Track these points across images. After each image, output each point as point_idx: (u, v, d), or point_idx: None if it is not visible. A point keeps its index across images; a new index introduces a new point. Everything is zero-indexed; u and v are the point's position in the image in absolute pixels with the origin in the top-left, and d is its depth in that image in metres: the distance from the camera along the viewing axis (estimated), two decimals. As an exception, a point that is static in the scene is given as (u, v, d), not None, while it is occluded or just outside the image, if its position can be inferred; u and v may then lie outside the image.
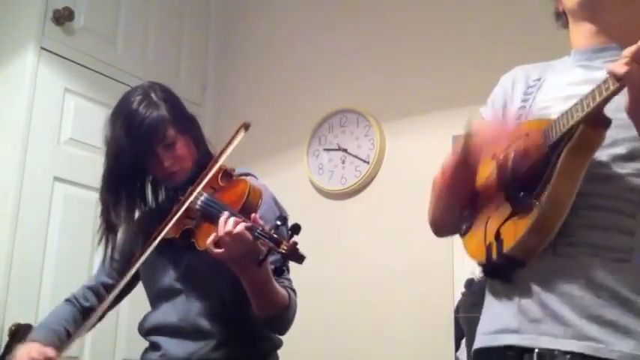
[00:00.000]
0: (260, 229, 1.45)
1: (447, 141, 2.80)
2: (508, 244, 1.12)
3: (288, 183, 3.11)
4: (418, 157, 2.89)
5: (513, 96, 1.33)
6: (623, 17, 1.25)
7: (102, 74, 2.99)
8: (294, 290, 1.67)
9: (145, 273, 1.75)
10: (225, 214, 1.50)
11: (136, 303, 1.90)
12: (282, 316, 1.59)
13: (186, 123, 1.72)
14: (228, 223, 1.46)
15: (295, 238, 1.43)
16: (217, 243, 1.48)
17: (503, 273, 1.16)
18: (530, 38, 2.64)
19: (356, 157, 3.04)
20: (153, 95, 1.67)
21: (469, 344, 2.59)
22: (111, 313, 2.83)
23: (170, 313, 1.66)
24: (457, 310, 2.64)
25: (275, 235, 1.43)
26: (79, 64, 2.90)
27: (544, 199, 1.08)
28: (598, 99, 1.02)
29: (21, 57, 2.74)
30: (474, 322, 2.57)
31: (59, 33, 2.83)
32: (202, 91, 3.52)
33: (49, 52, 2.78)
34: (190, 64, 3.46)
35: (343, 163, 3.08)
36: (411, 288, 2.75)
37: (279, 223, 1.46)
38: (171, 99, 1.71)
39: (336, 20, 3.28)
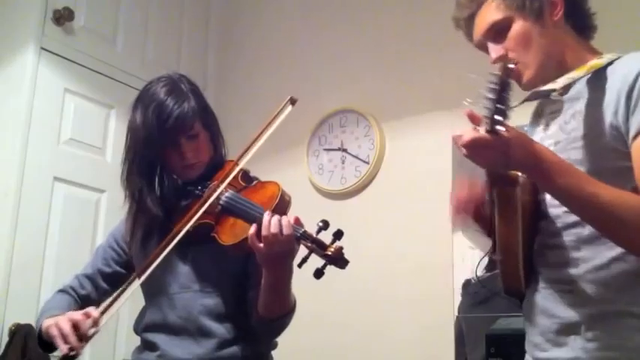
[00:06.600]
0: (302, 230, 1.46)
1: (447, 141, 2.80)
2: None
3: (288, 183, 3.09)
4: (418, 157, 2.89)
5: None
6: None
7: (102, 74, 2.99)
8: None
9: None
10: (268, 213, 1.48)
11: (137, 303, 1.89)
12: (286, 317, 1.59)
13: (210, 118, 1.73)
14: (274, 223, 1.44)
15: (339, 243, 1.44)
16: (254, 239, 1.46)
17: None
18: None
19: (356, 157, 3.04)
20: (182, 86, 1.68)
21: (469, 344, 2.60)
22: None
23: (170, 310, 1.63)
24: (459, 310, 2.64)
25: (319, 239, 1.44)
26: (79, 64, 2.90)
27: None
28: None
29: (21, 57, 2.74)
30: (472, 322, 2.58)
31: (59, 33, 2.83)
32: (202, 91, 3.51)
33: (49, 52, 2.79)
34: (190, 64, 3.46)
35: (343, 163, 3.07)
36: (411, 288, 2.75)
37: (320, 225, 1.46)
38: (198, 92, 1.73)
39: (336, 20, 3.28)
